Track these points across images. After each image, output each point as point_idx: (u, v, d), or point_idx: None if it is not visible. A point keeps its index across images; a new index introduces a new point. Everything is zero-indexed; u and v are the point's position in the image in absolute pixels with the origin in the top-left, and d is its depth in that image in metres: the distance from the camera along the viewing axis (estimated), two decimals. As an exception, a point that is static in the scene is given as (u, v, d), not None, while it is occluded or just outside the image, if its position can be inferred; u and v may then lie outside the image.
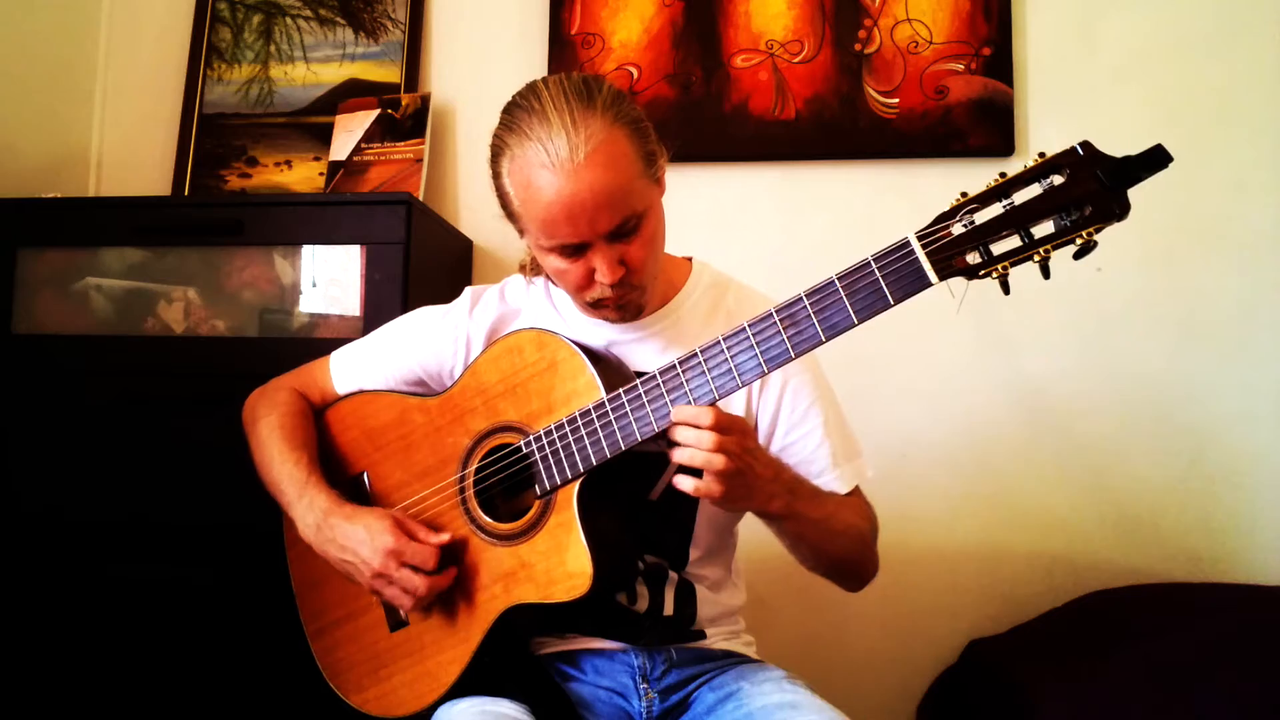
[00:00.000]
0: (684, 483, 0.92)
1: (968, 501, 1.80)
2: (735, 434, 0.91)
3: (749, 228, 1.89)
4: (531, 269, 1.18)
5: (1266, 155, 1.77)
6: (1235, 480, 1.74)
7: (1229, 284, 1.77)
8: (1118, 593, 1.62)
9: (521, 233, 1.04)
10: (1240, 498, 1.74)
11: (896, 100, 1.84)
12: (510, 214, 1.03)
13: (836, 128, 1.85)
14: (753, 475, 0.93)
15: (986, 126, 1.81)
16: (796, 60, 1.88)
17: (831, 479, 1.10)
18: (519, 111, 0.99)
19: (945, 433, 1.81)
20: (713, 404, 0.93)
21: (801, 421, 1.10)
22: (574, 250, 0.99)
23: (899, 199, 1.84)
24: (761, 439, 1.10)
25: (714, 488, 0.91)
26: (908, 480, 1.81)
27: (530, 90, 1.00)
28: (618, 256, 0.99)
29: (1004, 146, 1.80)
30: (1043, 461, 1.79)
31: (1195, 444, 1.76)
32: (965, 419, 1.81)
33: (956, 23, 1.84)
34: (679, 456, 0.92)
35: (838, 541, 1.07)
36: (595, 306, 1.05)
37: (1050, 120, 1.82)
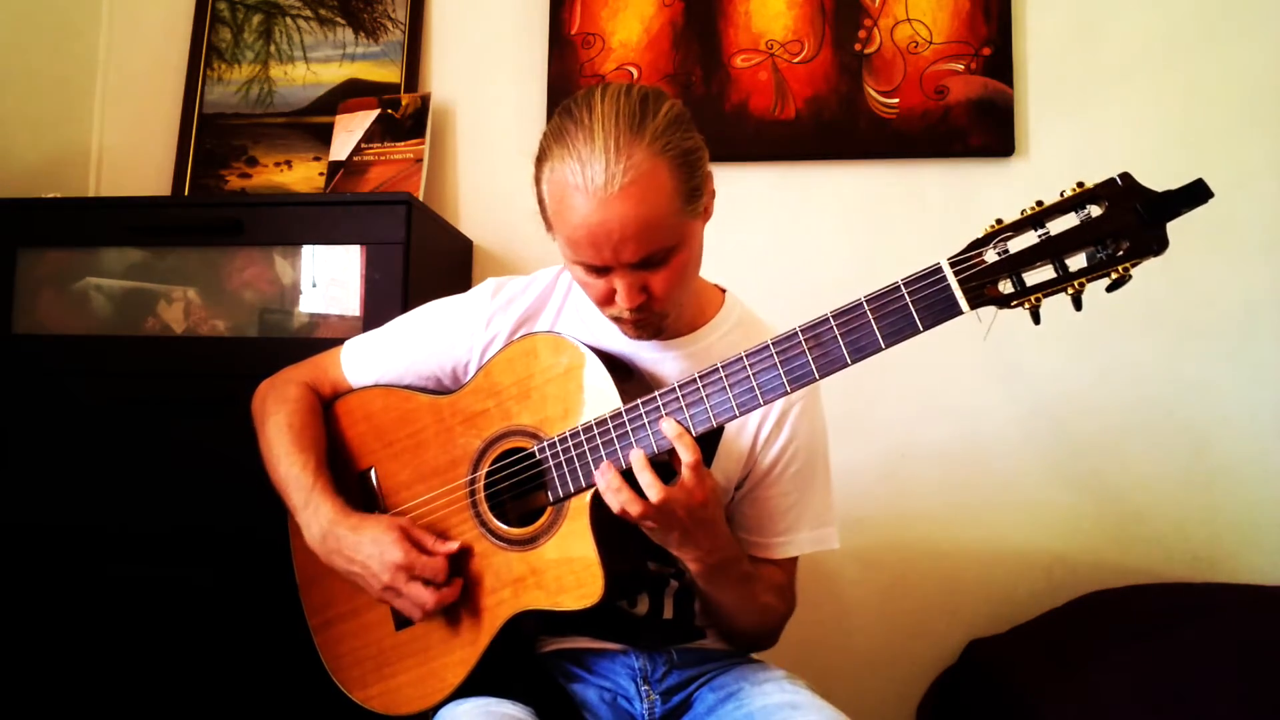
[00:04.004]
0: (610, 498, 0.95)
1: (968, 501, 1.80)
2: (682, 493, 0.93)
3: (748, 228, 1.89)
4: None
5: (1266, 155, 1.77)
6: (1235, 480, 1.74)
7: (1229, 284, 1.77)
8: (1118, 593, 1.62)
9: (552, 238, 1.02)
10: (1240, 497, 1.74)
11: (896, 100, 1.84)
12: (544, 217, 1.01)
13: (836, 128, 1.85)
14: (680, 531, 0.96)
15: (986, 126, 1.80)
16: (796, 60, 1.88)
17: (785, 540, 1.13)
18: (569, 120, 0.95)
19: (945, 432, 1.81)
20: (734, 418, 0.93)
21: (787, 482, 1.11)
22: (598, 270, 0.97)
23: (899, 199, 1.84)
24: (752, 480, 1.12)
25: (632, 512, 0.94)
26: (907, 480, 1.81)
27: (586, 99, 0.96)
28: (640, 284, 0.97)
29: (1004, 146, 1.79)
30: (1043, 461, 1.79)
31: (1195, 443, 1.76)
32: (965, 418, 1.81)
33: (956, 23, 1.84)
34: (600, 484, 0.96)
35: (742, 618, 1.11)
36: (614, 321, 1.04)
37: (1050, 120, 1.82)
